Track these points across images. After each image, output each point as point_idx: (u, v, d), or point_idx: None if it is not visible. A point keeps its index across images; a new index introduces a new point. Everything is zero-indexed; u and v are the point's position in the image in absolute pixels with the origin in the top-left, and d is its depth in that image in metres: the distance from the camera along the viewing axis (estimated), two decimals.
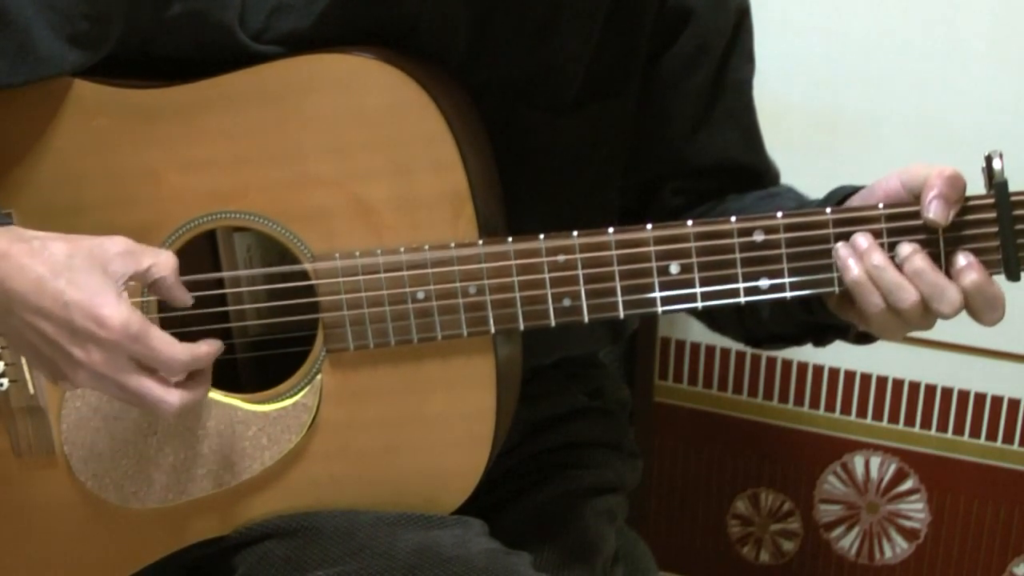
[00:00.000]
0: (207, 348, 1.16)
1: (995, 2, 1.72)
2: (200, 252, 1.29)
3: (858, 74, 1.81)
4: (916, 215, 1.12)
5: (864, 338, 1.26)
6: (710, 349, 2.03)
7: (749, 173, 1.43)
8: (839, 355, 1.95)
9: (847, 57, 1.81)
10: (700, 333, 2.02)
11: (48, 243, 1.12)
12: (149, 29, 1.21)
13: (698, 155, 1.40)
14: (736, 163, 1.41)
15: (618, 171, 1.40)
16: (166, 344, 1.13)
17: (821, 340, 1.31)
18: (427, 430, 1.24)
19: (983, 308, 1.13)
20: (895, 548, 2.03)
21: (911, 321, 1.13)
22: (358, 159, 1.19)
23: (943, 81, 1.77)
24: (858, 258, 1.12)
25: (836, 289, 1.15)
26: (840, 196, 1.21)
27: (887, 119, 1.81)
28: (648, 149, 1.39)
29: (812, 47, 1.82)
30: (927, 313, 1.12)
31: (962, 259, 1.12)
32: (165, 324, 1.21)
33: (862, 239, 1.12)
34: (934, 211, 1.10)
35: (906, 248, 1.12)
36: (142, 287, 1.19)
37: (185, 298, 1.17)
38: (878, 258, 1.12)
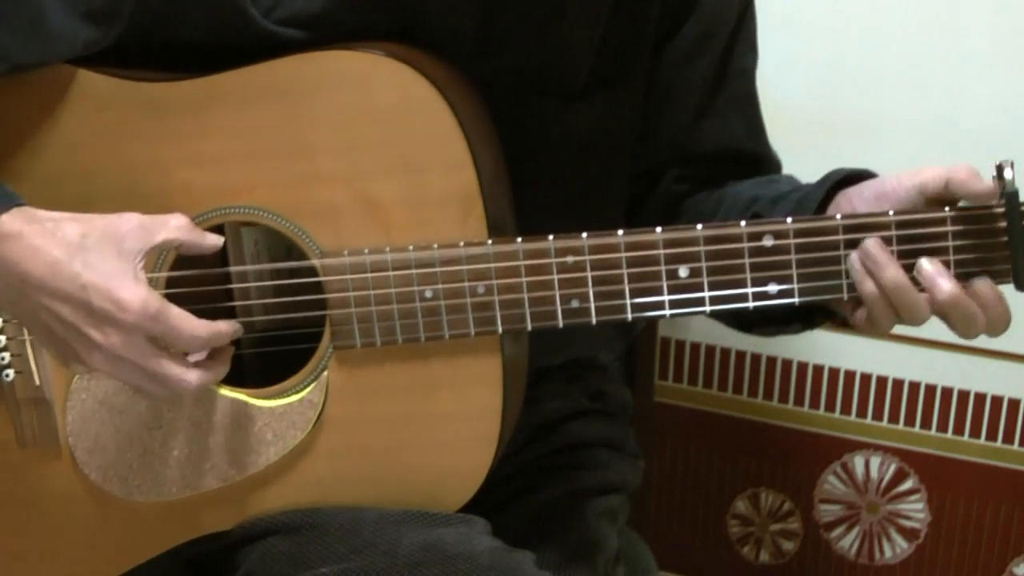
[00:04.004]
0: (226, 327, 1.18)
1: (995, 2, 1.72)
2: None
3: (859, 75, 1.81)
4: (926, 223, 1.12)
5: None
6: (710, 349, 2.03)
7: (751, 160, 1.42)
8: (839, 355, 1.96)
9: (848, 58, 1.81)
10: (700, 333, 2.02)
11: (61, 224, 1.12)
12: (160, 6, 1.21)
13: (701, 142, 1.40)
14: (738, 150, 1.41)
15: (627, 158, 1.39)
16: (185, 321, 1.13)
17: (810, 323, 1.31)
18: (433, 428, 1.24)
19: (996, 328, 1.15)
20: (895, 548, 2.03)
21: (910, 324, 1.14)
22: (368, 156, 1.19)
23: (944, 81, 1.77)
24: (874, 274, 1.13)
25: (844, 296, 1.15)
26: (837, 178, 1.21)
27: (888, 120, 1.81)
28: (651, 136, 1.39)
29: (813, 47, 1.82)
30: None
31: (983, 289, 1.12)
32: None
33: (876, 252, 1.12)
34: (981, 184, 1.10)
35: (929, 266, 1.12)
36: (155, 263, 1.20)
37: (214, 242, 1.18)
38: (892, 272, 1.12)
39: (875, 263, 1.12)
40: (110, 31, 1.20)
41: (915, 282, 1.13)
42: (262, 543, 1.26)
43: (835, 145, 1.83)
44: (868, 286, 1.13)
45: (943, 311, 1.13)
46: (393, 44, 1.21)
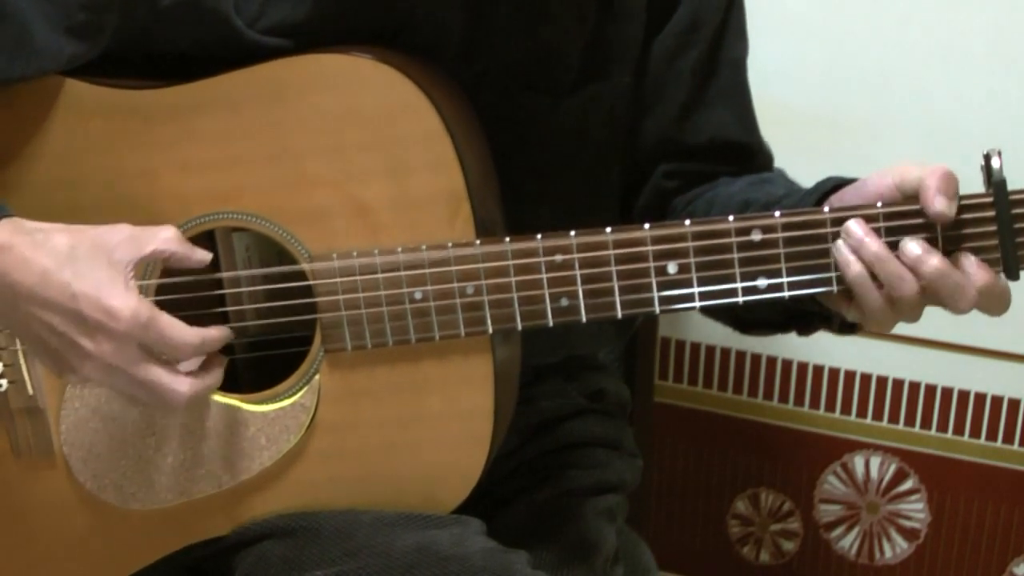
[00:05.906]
0: (216, 332, 1.18)
1: (995, 3, 1.72)
2: None
3: (859, 75, 1.81)
4: (914, 214, 1.11)
5: (848, 328, 1.25)
6: (710, 349, 2.03)
7: (742, 152, 1.41)
8: (839, 355, 1.96)
9: (848, 59, 1.81)
10: (700, 333, 2.02)
11: (51, 235, 1.13)
12: (145, 19, 1.21)
13: (691, 134, 1.38)
14: (729, 142, 1.39)
15: (619, 153, 1.38)
16: (176, 328, 1.14)
17: (806, 329, 1.30)
18: (425, 430, 1.24)
19: (992, 306, 1.12)
20: (895, 548, 2.03)
21: (904, 311, 1.12)
22: (355, 159, 1.19)
23: (944, 82, 1.77)
24: (858, 251, 1.11)
25: (834, 288, 1.14)
26: (828, 187, 1.20)
27: (888, 120, 1.81)
28: (642, 130, 1.38)
29: (813, 48, 1.82)
30: (923, 304, 1.12)
31: (967, 263, 1.11)
32: None
33: (856, 228, 1.11)
34: (940, 205, 1.08)
35: (916, 247, 1.10)
36: (144, 270, 1.20)
37: (202, 256, 1.19)
38: (876, 246, 1.11)
39: (858, 241, 1.11)
40: (95, 45, 1.20)
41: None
42: (257, 547, 1.26)
43: (835, 145, 1.83)
44: (854, 268, 1.12)
45: (929, 283, 1.10)
46: (377, 48, 1.21)
